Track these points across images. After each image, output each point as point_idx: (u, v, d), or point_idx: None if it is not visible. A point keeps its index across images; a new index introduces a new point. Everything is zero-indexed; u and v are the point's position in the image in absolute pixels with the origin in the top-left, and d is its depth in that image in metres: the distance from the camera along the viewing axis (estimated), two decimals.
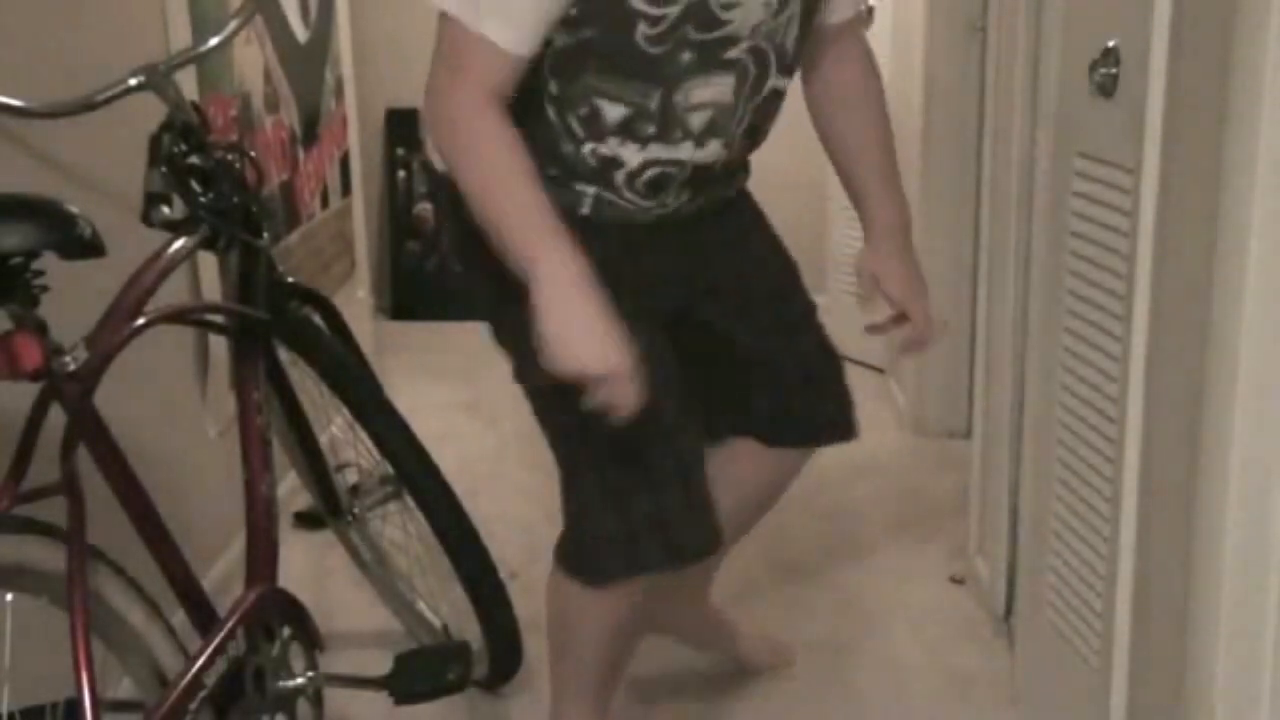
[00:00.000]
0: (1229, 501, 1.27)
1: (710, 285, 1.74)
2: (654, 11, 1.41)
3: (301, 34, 3.19)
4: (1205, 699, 1.33)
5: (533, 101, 1.50)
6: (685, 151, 1.53)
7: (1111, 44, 1.57)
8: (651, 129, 1.50)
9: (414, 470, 1.99)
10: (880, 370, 3.75)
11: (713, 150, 1.55)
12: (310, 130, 3.25)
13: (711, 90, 1.50)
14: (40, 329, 1.36)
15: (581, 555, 1.68)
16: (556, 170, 1.53)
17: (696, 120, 1.51)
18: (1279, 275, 1.22)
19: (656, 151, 1.52)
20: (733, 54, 1.48)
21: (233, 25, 1.89)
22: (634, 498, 1.60)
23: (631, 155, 1.52)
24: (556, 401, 1.51)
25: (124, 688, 1.56)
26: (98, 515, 1.41)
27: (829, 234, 3.87)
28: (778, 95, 1.59)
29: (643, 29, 1.42)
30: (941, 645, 2.34)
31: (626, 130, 1.50)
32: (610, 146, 1.51)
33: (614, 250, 1.52)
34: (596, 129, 1.50)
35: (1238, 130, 1.22)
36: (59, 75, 1.91)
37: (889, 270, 1.73)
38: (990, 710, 2.15)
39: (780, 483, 1.97)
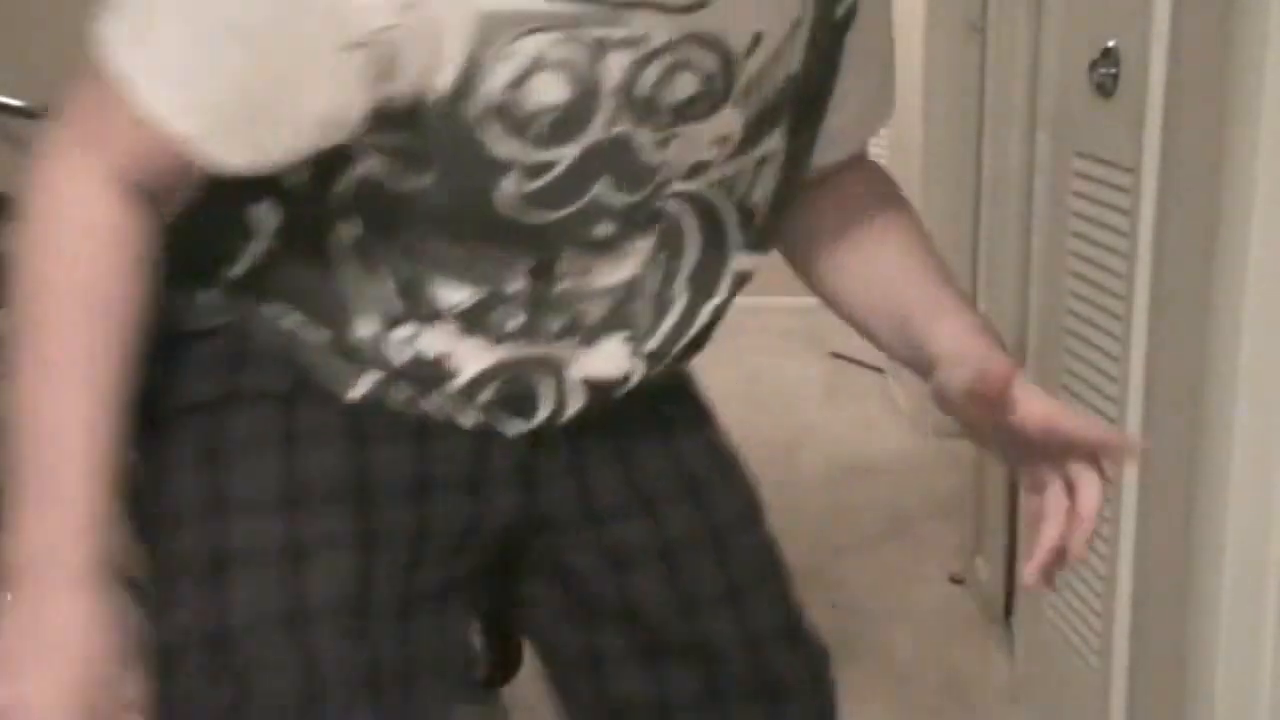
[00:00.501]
0: (1229, 501, 1.27)
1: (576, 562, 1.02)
2: (530, 158, 0.80)
3: None
4: (1205, 698, 1.33)
5: (311, 227, 0.87)
6: (566, 351, 0.91)
7: (1111, 44, 1.57)
8: (514, 322, 0.88)
9: None
10: (880, 370, 3.75)
11: (616, 359, 0.92)
12: None
13: (625, 268, 0.89)
14: None
15: None
16: (328, 336, 0.89)
17: (595, 310, 0.90)
18: (1278, 274, 1.22)
19: (519, 351, 0.89)
20: (658, 205, 0.88)
21: None
22: None
23: (473, 357, 0.89)
24: None
25: None
26: None
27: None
28: (740, 280, 0.95)
29: (508, 185, 0.81)
30: (941, 645, 2.34)
31: (471, 320, 0.88)
32: (440, 339, 0.88)
33: (392, 469, 0.92)
34: (420, 305, 0.87)
35: (1237, 130, 1.22)
36: (60, 75, 1.91)
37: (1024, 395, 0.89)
38: (990, 709, 2.14)
39: None
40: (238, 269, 0.89)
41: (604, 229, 0.86)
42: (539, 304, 0.88)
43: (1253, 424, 1.25)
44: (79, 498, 0.79)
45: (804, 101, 0.91)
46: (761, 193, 0.92)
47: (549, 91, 0.78)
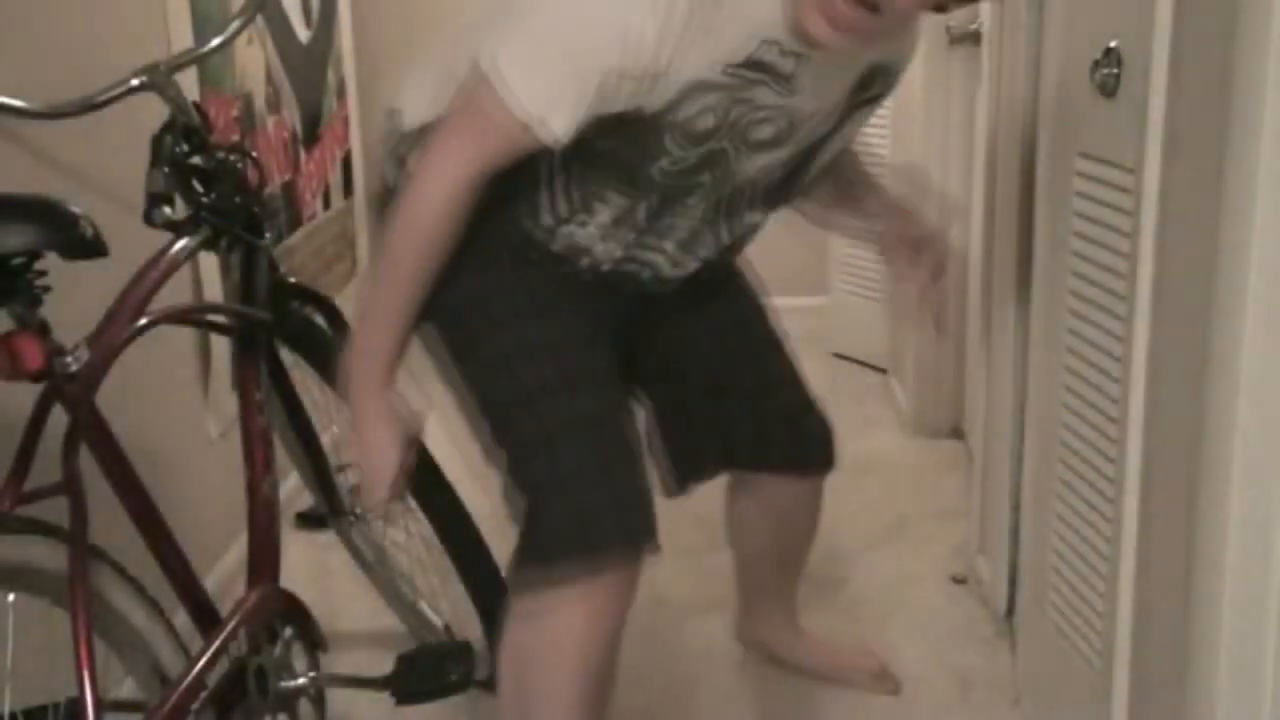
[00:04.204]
0: (1231, 500, 1.27)
1: (667, 329, 1.86)
2: (679, 153, 1.51)
3: (303, 34, 3.19)
4: (1207, 699, 1.33)
5: (535, 162, 1.51)
6: (659, 259, 1.67)
7: (1113, 44, 1.57)
8: (632, 235, 1.62)
9: (415, 469, 1.99)
10: (881, 370, 3.75)
11: (685, 263, 1.69)
12: (312, 130, 3.25)
13: (689, 219, 1.62)
14: (42, 329, 1.36)
15: (539, 550, 1.58)
16: (527, 226, 1.61)
17: (673, 239, 1.64)
18: None
19: (632, 252, 1.64)
20: (729, 187, 1.61)
21: (234, 25, 1.88)
22: (590, 483, 1.56)
23: (604, 252, 1.63)
24: (517, 405, 1.61)
25: (126, 688, 1.57)
26: (99, 515, 1.41)
27: (829, 233, 3.87)
28: (753, 229, 1.73)
29: (663, 164, 1.52)
30: (943, 645, 2.34)
31: (609, 230, 1.60)
32: (587, 236, 1.61)
33: (593, 288, 1.67)
34: (583, 216, 1.59)
35: (1240, 130, 1.22)
36: (60, 75, 1.91)
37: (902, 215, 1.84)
38: (992, 710, 2.15)
39: (795, 519, 2.12)
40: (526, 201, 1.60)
41: (697, 194, 1.59)
42: (649, 228, 1.62)
43: (1254, 424, 1.25)
44: (385, 348, 1.57)
45: (821, 141, 1.65)
46: (769, 182, 1.66)
47: (706, 121, 1.49)
